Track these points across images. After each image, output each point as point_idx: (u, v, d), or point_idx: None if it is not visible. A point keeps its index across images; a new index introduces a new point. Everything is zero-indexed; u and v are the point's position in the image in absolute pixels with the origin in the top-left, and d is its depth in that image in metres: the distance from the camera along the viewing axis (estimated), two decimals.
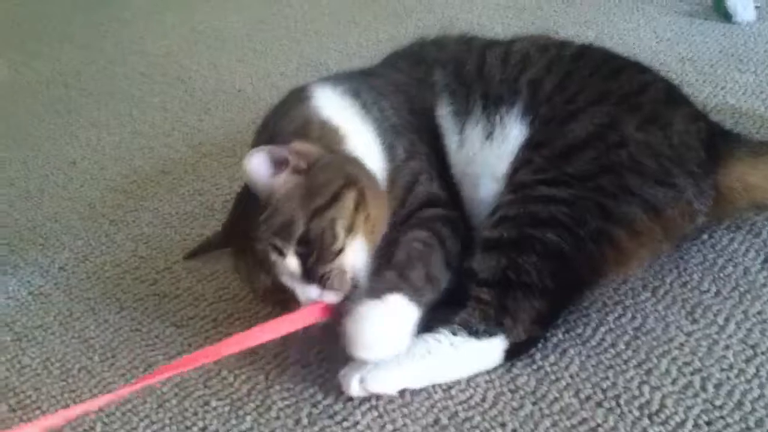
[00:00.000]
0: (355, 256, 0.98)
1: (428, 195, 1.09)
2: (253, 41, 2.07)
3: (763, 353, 0.97)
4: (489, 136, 1.10)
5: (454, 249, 1.03)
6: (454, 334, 0.96)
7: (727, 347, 0.98)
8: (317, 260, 0.96)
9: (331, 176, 1.00)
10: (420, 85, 1.16)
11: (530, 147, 1.06)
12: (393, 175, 1.08)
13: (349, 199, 0.99)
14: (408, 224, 1.05)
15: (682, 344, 0.99)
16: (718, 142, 1.10)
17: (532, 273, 0.97)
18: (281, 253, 0.96)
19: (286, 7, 2.26)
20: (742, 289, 1.06)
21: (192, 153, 1.60)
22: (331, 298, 0.97)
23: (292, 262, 0.96)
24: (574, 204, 1.00)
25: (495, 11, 1.95)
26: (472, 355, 0.97)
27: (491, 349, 0.98)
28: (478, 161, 1.10)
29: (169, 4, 2.43)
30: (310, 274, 0.96)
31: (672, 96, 1.13)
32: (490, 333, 0.96)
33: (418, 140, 1.11)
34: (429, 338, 0.97)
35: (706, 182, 1.06)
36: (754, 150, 1.12)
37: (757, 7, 1.74)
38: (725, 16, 1.74)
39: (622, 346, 1.00)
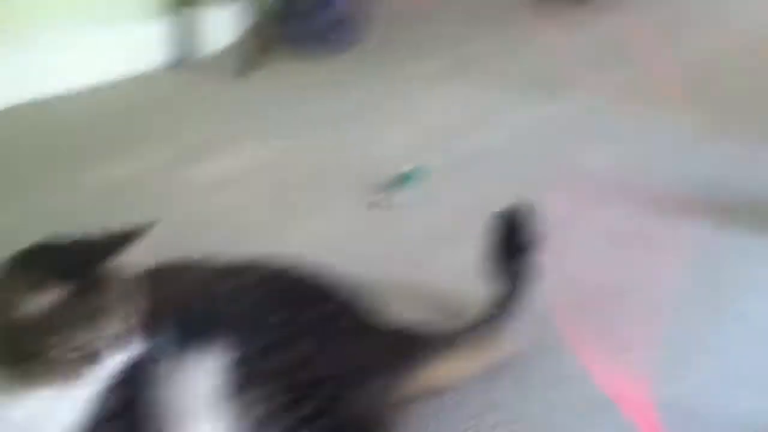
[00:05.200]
0: None
1: None
2: None
3: None
4: (179, 371, 1.10)
5: None
6: None
7: None
8: None
9: None
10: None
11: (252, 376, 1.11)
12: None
13: None
14: None
15: None
16: (412, 346, 1.25)
17: None
18: None
19: None
20: None
21: None
22: None
23: None
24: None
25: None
26: None
27: None
28: (177, 396, 1.10)
29: None
30: None
31: (361, 316, 1.26)
32: None
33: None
34: None
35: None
36: (448, 344, 1.28)
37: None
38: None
39: None
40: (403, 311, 1.36)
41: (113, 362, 1.01)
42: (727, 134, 2.24)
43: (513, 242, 1.36)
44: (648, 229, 1.75)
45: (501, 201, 1.82)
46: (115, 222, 1.05)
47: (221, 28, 3.01)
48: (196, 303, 1.18)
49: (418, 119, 2.50)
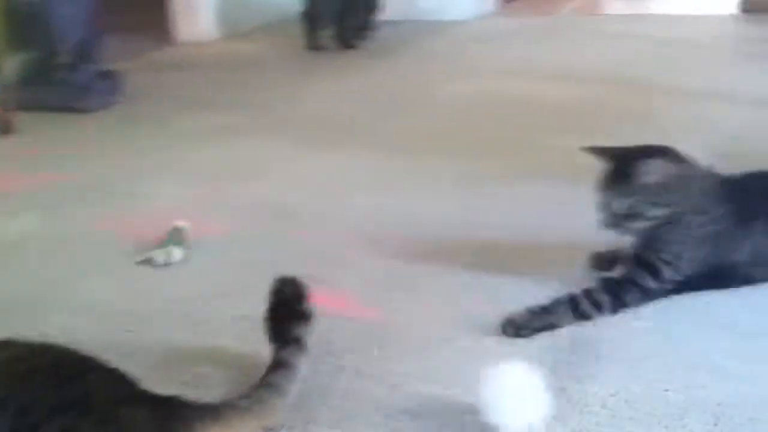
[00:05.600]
0: None
1: None
2: None
3: None
4: None
5: None
6: None
7: None
8: None
9: None
10: None
11: None
12: None
13: None
14: None
15: None
16: (175, 417, 1.20)
17: None
18: None
19: None
20: None
21: None
22: None
23: None
24: None
25: None
26: None
27: None
28: None
29: None
30: None
31: (121, 389, 1.21)
32: None
33: None
34: None
35: None
36: (213, 415, 1.23)
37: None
38: None
39: None
40: (179, 373, 1.33)
41: None
42: (480, 179, 2.33)
43: (289, 310, 1.36)
44: (406, 272, 1.78)
45: (278, 254, 1.85)
46: None
47: None
48: None
49: (193, 173, 2.47)
